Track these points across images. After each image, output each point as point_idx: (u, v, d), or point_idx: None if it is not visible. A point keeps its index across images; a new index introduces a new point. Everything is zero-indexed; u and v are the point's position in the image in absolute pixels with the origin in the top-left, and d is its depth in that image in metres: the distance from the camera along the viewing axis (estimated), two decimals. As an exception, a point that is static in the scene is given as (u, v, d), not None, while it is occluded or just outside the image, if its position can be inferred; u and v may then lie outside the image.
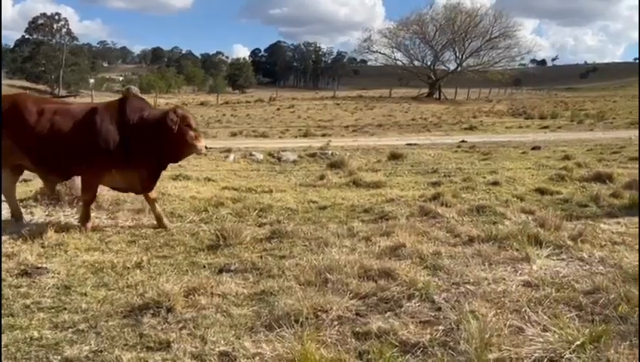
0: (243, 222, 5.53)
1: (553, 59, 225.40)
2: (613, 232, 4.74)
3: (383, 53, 47.81)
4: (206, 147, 5.43)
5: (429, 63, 45.82)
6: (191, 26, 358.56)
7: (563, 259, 3.96)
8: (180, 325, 2.97)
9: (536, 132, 19.80)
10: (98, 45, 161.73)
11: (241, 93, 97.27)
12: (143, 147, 5.24)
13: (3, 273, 3.81)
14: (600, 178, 7.57)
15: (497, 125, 22.92)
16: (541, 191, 6.80)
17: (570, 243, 4.23)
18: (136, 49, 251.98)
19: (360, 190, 7.42)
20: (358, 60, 54.26)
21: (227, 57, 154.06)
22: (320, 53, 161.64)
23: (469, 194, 6.82)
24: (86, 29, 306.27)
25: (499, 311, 2.96)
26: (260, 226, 5.50)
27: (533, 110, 33.90)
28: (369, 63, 53.34)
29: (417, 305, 3.21)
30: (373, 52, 47.29)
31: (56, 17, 76.42)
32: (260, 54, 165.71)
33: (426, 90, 44.53)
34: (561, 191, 6.82)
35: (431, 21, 45.39)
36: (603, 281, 3.18)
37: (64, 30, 74.81)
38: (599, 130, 19.51)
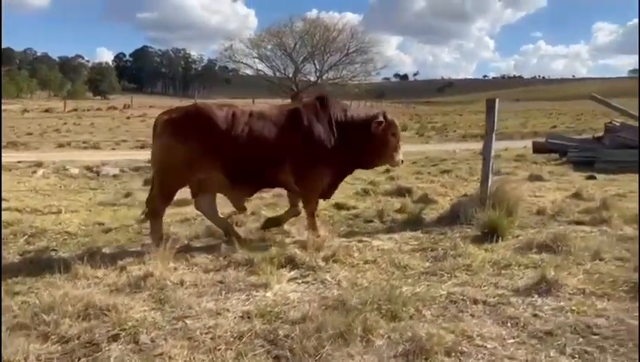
0: (5, 250, 4.88)
1: (414, 74, 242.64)
2: (378, 249, 4.81)
3: (245, 63, 47.90)
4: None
5: (290, 75, 46.54)
6: (48, 26, 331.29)
7: (306, 283, 3.87)
8: None
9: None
10: None
11: (103, 99, 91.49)
12: (345, 150, 4.93)
13: None
14: (401, 192, 7.86)
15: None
16: (339, 206, 6.85)
17: (322, 264, 4.19)
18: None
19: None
20: (230, 69, 53.35)
21: (88, 61, 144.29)
22: (190, 60, 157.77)
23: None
24: None
25: (191, 352, 2.73)
26: (22, 255, 4.88)
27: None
28: (241, 72, 52.67)
29: (120, 347, 2.90)
30: (236, 61, 47.23)
31: None
32: (124, 59, 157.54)
33: (287, 102, 45.06)
34: (357, 206, 6.93)
35: (291, 34, 46.27)
36: (309, 310, 3.10)
37: None
38: (434, 142, 20.87)
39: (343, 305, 3.15)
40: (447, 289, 3.47)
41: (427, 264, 4.30)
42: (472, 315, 3.06)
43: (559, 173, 10.22)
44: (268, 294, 3.57)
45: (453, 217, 5.88)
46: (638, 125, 11.58)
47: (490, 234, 5.06)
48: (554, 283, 3.34)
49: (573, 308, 3.10)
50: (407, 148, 16.77)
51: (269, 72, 47.90)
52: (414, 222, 5.89)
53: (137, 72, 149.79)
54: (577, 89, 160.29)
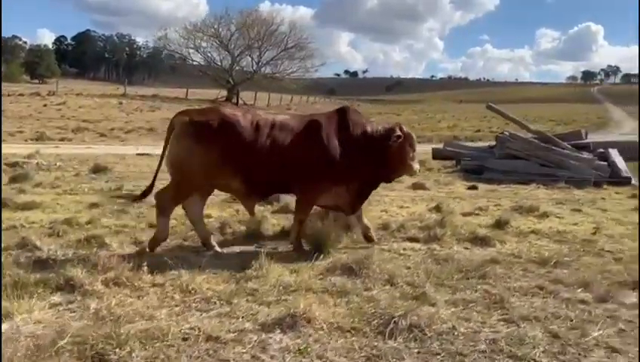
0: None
1: (364, 72, 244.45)
2: (182, 268, 4.50)
3: (179, 53, 46.62)
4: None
5: (227, 67, 45.58)
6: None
7: (69, 310, 3.53)
8: None
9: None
10: None
11: (41, 83, 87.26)
12: (364, 162, 5.01)
13: None
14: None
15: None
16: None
17: (99, 287, 3.86)
18: None
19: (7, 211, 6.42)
20: (177, 57, 51.60)
21: (26, 42, 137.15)
22: (135, 46, 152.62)
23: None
24: None
25: None
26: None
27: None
28: (189, 61, 51.09)
29: None
30: (170, 51, 45.89)
31: None
32: (66, 42, 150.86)
33: (225, 94, 44.25)
34: (212, 215, 6.63)
35: (227, 25, 45.36)
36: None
37: None
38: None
39: (52, 346, 2.84)
40: (196, 323, 3.23)
41: (223, 287, 4.04)
42: (189, 356, 2.82)
43: (444, 181, 10.28)
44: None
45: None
46: (528, 136, 11.86)
47: (315, 251, 4.90)
48: (301, 317, 3.14)
49: (302, 347, 2.92)
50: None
51: (206, 64, 46.74)
52: (253, 236, 5.66)
53: (79, 57, 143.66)
54: (520, 92, 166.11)
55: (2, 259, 4.32)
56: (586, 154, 11.17)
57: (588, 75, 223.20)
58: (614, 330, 3.18)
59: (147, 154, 12.79)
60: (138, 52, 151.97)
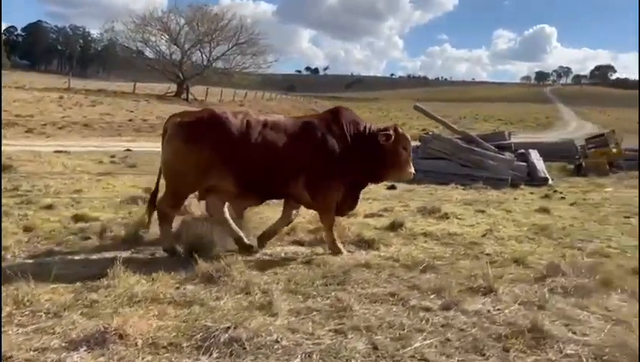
0: None
1: (325, 69, 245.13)
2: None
3: (127, 47, 45.28)
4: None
5: (177, 62, 44.59)
6: None
7: None
8: None
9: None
10: None
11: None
12: (357, 163, 4.98)
13: None
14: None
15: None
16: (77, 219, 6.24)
17: None
18: None
19: None
20: (133, 50, 49.94)
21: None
22: (90, 38, 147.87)
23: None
24: None
25: None
26: None
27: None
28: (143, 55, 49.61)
29: None
30: (118, 44, 44.51)
31: None
32: (15, 33, 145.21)
33: (174, 89, 43.35)
34: (100, 218, 6.36)
35: (175, 19, 44.38)
36: None
37: None
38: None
39: None
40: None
41: (64, 298, 3.80)
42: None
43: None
44: None
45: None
46: (455, 136, 11.99)
47: (189, 257, 4.71)
48: (113, 332, 2.96)
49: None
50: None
51: (155, 58, 45.63)
52: (133, 241, 5.44)
53: (30, 48, 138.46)
54: (476, 92, 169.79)
55: None
56: (507, 155, 11.37)
57: (541, 76, 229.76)
58: (439, 340, 3.12)
59: (66, 152, 12.34)
60: (92, 45, 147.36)
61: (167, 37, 44.00)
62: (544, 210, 8.05)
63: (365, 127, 5.15)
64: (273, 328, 3.18)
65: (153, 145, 10.76)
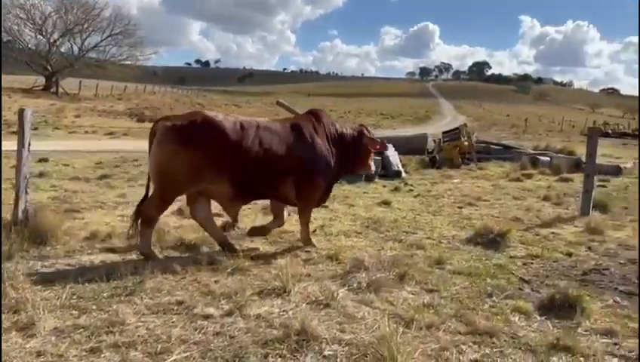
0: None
1: (216, 62, 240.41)
2: None
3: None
4: None
5: (44, 53, 41.15)
6: None
7: None
8: None
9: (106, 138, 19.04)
10: None
11: None
12: (338, 161, 5.49)
13: None
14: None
15: (86, 128, 21.22)
16: None
17: None
18: None
19: None
20: (5, 40, 44.71)
21: None
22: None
23: None
24: None
25: None
26: None
27: (154, 112, 33.30)
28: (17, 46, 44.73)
29: None
30: (-28, 34, 39.96)
31: None
32: None
33: (42, 82, 40.04)
34: None
35: (40, 7, 40.89)
36: None
37: None
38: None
39: None
40: None
41: None
42: None
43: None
44: None
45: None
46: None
47: None
48: None
49: None
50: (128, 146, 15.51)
51: (20, 48, 41.73)
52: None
53: None
54: (366, 87, 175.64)
55: None
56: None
57: (424, 71, 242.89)
58: (201, 351, 2.98)
59: None
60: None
61: (30, 26, 40.44)
62: (386, 203, 8.32)
63: (342, 128, 5.71)
64: (18, 352, 2.88)
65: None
